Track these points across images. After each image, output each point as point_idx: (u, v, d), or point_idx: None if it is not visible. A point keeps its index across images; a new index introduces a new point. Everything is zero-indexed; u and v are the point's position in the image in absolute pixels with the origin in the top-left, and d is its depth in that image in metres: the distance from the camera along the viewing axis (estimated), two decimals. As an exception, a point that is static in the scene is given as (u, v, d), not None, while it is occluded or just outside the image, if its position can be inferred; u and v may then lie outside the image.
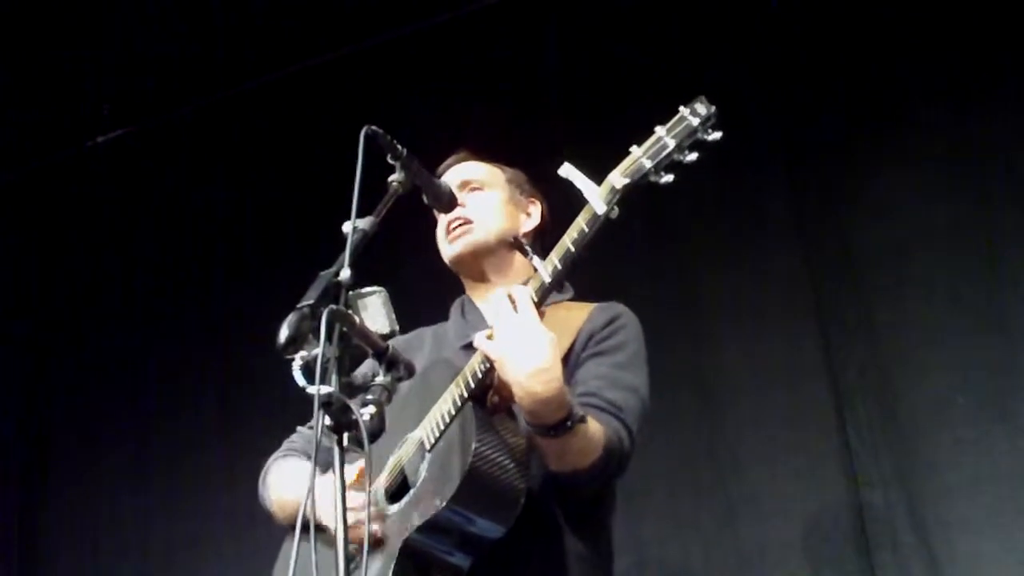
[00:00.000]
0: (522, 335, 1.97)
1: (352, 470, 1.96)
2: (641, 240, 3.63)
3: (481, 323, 2.38)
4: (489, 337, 2.04)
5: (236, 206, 4.57)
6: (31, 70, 4.48)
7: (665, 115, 2.03)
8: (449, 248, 2.43)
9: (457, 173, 2.50)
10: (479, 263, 2.43)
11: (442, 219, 2.44)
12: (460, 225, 2.41)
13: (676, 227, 3.75)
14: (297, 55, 4.51)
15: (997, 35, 3.49)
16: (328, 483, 1.73)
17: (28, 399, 4.78)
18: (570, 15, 4.10)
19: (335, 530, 1.63)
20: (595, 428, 2.06)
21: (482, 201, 2.45)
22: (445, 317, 2.52)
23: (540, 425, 2.00)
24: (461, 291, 2.53)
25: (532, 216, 2.51)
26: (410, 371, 1.78)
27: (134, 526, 4.37)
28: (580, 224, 2.00)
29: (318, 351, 1.63)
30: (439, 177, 2.46)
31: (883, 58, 3.62)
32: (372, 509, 2.06)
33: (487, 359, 2.06)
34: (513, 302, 2.02)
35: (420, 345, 2.43)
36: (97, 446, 4.53)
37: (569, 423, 1.99)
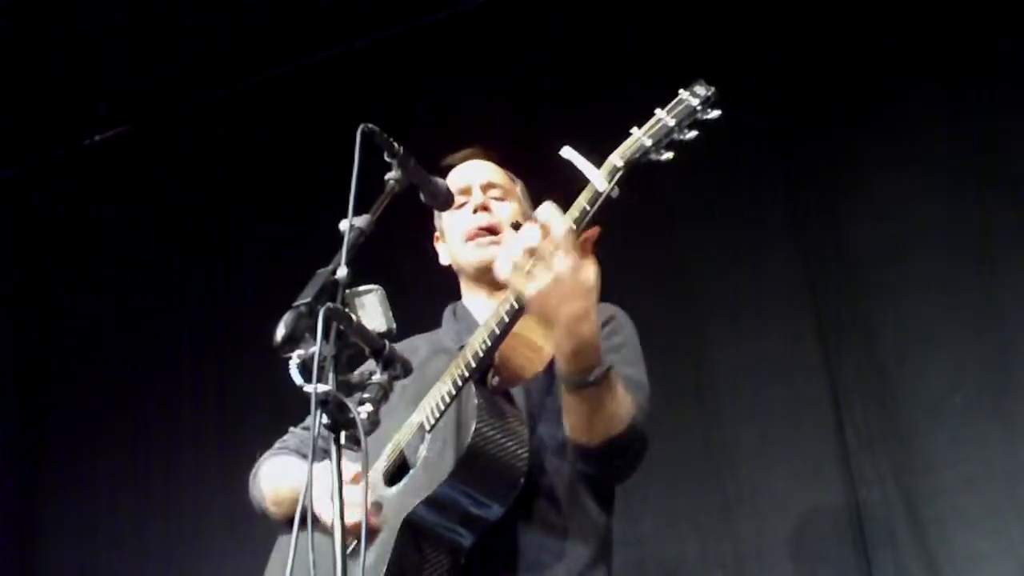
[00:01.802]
0: (566, 273, 1.90)
1: (349, 470, 1.96)
2: (639, 238, 3.63)
3: (475, 326, 2.38)
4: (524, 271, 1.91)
5: (233, 204, 4.57)
6: (28, 68, 4.48)
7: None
8: (475, 254, 2.39)
9: (479, 173, 2.47)
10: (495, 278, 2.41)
11: (462, 218, 2.40)
12: (490, 233, 2.38)
13: (674, 225, 3.76)
14: (295, 53, 4.51)
15: (995, 35, 3.49)
16: (325, 472, 1.71)
17: (26, 398, 4.78)
18: (569, 14, 4.10)
19: (332, 522, 1.62)
20: (623, 392, 2.05)
21: (507, 212, 2.42)
22: (442, 316, 2.52)
23: (583, 370, 1.96)
24: (456, 290, 2.52)
25: None
26: (407, 370, 1.77)
27: (132, 524, 4.38)
28: (581, 203, 1.98)
29: (315, 349, 1.63)
30: (448, 168, 2.46)
31: (881, 57, 3.63)
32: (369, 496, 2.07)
33: (493, 334, 2.05)
34: (547, 231, 1.91)
35: (413, 353, 2.41)
36: (95, 444, 4.53)
37: (605, 369, 1.97)
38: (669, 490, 3.46)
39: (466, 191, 2.41)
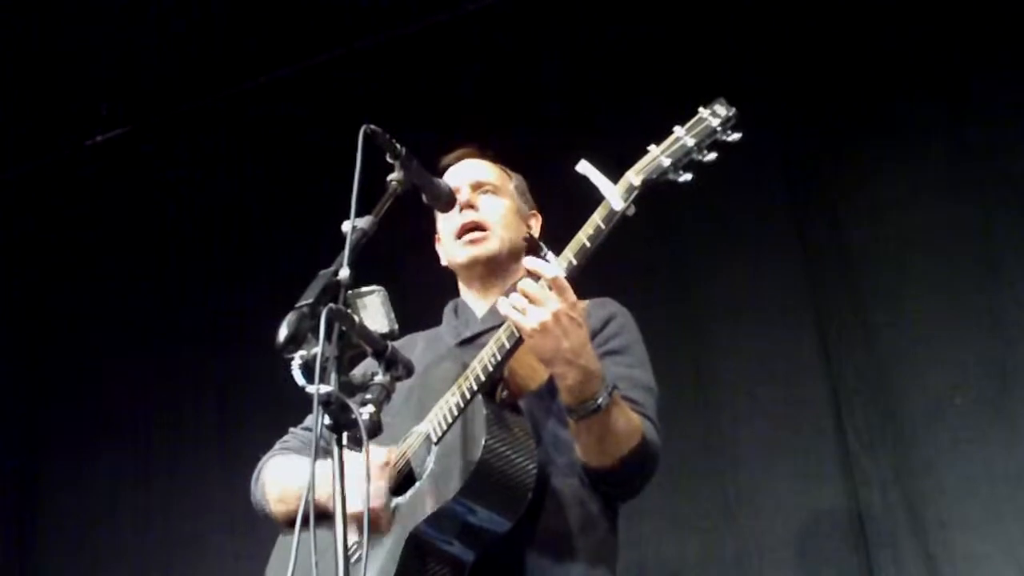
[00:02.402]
0: (562, 310, 1.96)
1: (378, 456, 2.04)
2: (639, 239, 3.63)
3: (474, 322, 2.39)
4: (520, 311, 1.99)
5: (235, 205, 4.57)
6: (30, 68, 4.48)
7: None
8: (463, 251, 2.40)
9: (468, 172, 2.48)
10: (489, 271, 2.42)
11: (452, 218, 2.41)
12: (476, 229, 2.39)
13: (675, 226, 3.75)
14: (296, 54, 4.51)
15: (996, 35, 3.49)
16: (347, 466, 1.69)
17: (26, 398, 4.78)
18: (570, 15, 4.10)
19: (337, 523, 1.62)
20: (628, 410, 2.08)
21: (496, 207, 2.43)
22: (442, 314, 2.53)
23: (587, 400, 2.00)
24: (456, 291, 2.53)
25: (532, 229, 2.51)
26: (409, 370, 1.77)
27: (132, 525, 4.37)
28: (596, 221, 2.00)
29: (317, 350, 1.63)
30: (444, 169, 2.47)
31: (882, 57, 3.62)
32: (378, 502, 2.08)
33: (503, 348, 2.05)
34: (536, 276, 2.00)
35: (412, 349, 2.41)
36: (95, 445, 4.53)
37: (609, 392, 2.00)
38: (669, 491, 3.44)
39: (456, 191, 2.42)
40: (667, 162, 1.97)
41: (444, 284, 2.56)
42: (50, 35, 4.33)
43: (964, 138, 3.44)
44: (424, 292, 2.59)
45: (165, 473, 4.38)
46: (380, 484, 2.11)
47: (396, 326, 1.80)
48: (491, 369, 2.07)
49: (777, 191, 3.68)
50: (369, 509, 1.92)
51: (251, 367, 4.08)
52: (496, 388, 2.12)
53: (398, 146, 2.00)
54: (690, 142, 1.97)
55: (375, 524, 2.09)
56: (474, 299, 2.46)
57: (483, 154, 2.54)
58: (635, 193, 1.98)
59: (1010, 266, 3.32)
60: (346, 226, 1.85)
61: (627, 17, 3.98)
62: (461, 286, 2.51)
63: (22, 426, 4.75)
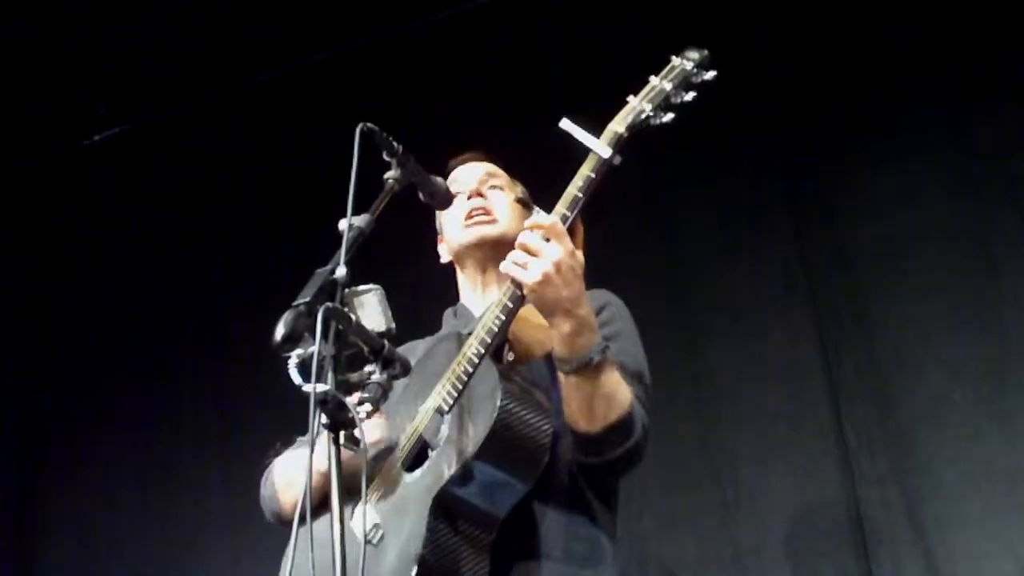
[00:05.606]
0: (562, 259, 1.96)
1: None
2: (637, 237, 3.63)
3: (474, 321, 2.39)
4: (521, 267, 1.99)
5: (233, 204, 4.57)
6: (28, 68, 4.48)
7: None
8: (466, 233, 2.42)
9: (480, 167, 2.52)
10: (490, 258, 2.42)
11: (459, 206, 2.41)
12: (483, 214, 2.41)
13: (673, 224, 3.76)
14: (295, 53, 4.51)
15: (995, 36, 3.49)
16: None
17: (26, 398, 4.78)
18: (571, 14, 4.10)
19: (334, 520, 1.62)
20: (620, 378, 2.07)
21: (503, 201, 2.46)
22: (441, 314, 2.53)
23: (579, 355, 1.98)
24: (455, 293, 2.53)
25: None
26: (406, 369, 1.77)
27: (131, 526, 4.37)
28: (585, 172, 2.02)
29: (314, 349, 1.63)
30: (451, 170, 2.49)
31: (881, 57, 3.63)
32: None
33: (506, 308, 2.05)
34: (540, 229, 1.99)
35: (412, 354, 2.41)
36: (95, 446, 4.53)
37: (602, 348, 1.99)
38: (668, 490, 3.46)
39: (464, 184, 2.46)
40: (648, 107, 2.01)
41: (442, 283, 2.56)
42: (48, 34, 4.32)
43: (962, 137, 3.45)
44: (422, 290, 2.60)
45: (165, 473, 4.39)
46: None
47: (393, 324, 1.81)
48: (496, 330, 2.06)
49: (777, 190, 3.69)
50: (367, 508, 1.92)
51: (251, 366, 4.08)
52: (502, 351, 2.11)
53: (395, 144, 2.01)
54: (667, 86, 2.01)
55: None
56: (472, 295, 2.47)
57: (490, 157, 2.58)
58: (622, 140, 1.99)
59: (1007, 264, 3.32)
60: (343, 224, 1.85)
61: (627, 16, 3.98)
62: (462, 279, 2.51)
63: (22, 425, 4.75)
